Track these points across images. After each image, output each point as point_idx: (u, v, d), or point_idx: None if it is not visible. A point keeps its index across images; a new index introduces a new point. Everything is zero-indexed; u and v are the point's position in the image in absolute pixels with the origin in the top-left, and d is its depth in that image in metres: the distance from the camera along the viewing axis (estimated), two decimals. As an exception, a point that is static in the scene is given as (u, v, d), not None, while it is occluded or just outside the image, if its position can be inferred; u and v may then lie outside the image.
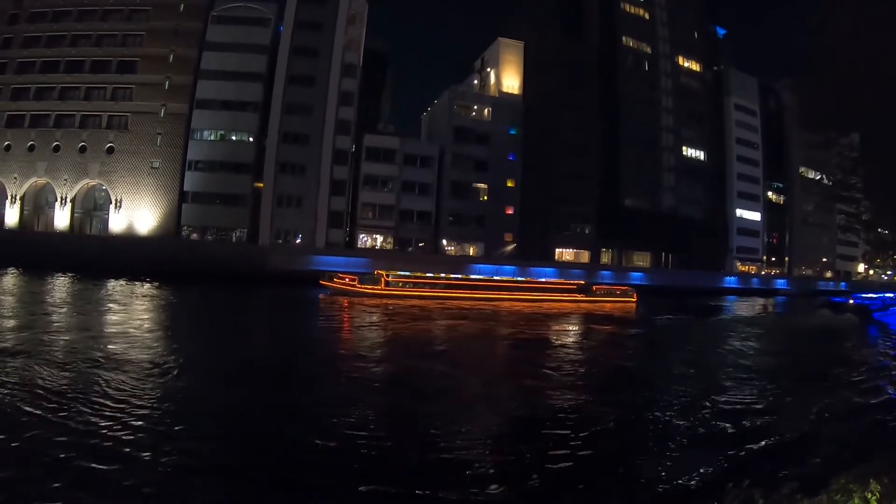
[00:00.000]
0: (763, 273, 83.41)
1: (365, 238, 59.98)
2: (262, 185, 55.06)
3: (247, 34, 55.91)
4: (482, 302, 38.68)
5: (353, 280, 38.74)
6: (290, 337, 22.60)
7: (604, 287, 48.04)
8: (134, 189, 53.49)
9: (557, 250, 66.08)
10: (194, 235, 54.17)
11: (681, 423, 11.76)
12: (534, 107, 66.73)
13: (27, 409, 9.73)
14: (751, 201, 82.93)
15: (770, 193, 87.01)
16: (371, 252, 57.30)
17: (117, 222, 53.11)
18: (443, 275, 41.73)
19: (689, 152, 75.22)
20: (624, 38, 70.83)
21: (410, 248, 60.57)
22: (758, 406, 13.39)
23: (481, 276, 46.71)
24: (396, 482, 7.79)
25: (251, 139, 55.96)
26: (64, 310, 23.80)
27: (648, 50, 72.96)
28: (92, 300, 27.74)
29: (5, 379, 11.56)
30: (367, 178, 59.54)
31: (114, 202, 53.36)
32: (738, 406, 13.23)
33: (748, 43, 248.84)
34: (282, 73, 55.59)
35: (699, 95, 77.68)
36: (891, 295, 45.61)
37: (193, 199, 54.22)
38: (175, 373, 13.23)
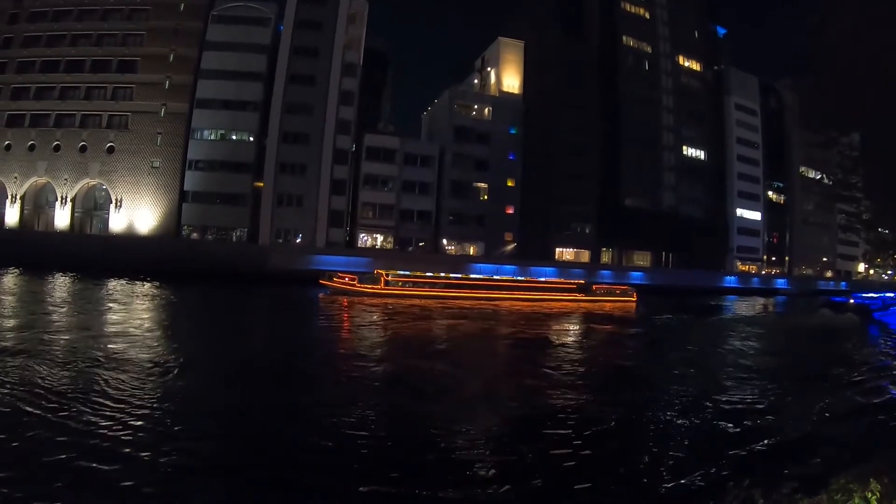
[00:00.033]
0: (763, 272, 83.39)
1: (365, 237, 59.98)
2: (262, 184, 55.05)
3: (247, 34, 55.91)
4: (482, 301, 38.68)
5: (353, 279, 38.74)
6: (290, 337, 22.60)
7: (603, 286, 48.03)
8: (134, 188, 53.50)
9: (558, 250, 66.06)
10: (194, 235, 54.18)
11: (681, 422, 11.76)
12: (534, 106, 66.71)
13: (27, 408, 9.73)
14: (751, 201, 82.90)
15: (770, 193, 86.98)
16: (371, 251, 57.31)
17: (117, 222, 53.12)
18: (442, 274, 41.75)
19: (690, 152, 75.21)
20: (624, 38, 70.80)
21: (411, 248, 60.58)
22: (758, 406, 13.39)
23: (481, 276, 46.73)
24: (396, 482, 7.79)
25: (251, 139, 55.96)
26: (64, 309, 23.80)
27: (649, 49, 72.92)
28: (92, 300, 27.74)
29: (6, 378, 11.56)
30: (367, 177, 59.54)
31: (114, 202, 53.36)
32: (739, 406, 13.24)
33: (748, 42, 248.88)
34: (282, 73, 55.58)
35: (699, 95, 77.65)
36: (891, 294, 45.62)
37: (194, 199, 54.23)
38: (175, 372, 13.23)
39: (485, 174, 64.32)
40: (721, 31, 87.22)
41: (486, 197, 64.61)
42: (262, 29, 56.82)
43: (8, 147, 53.93)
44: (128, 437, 8.65)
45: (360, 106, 59.70)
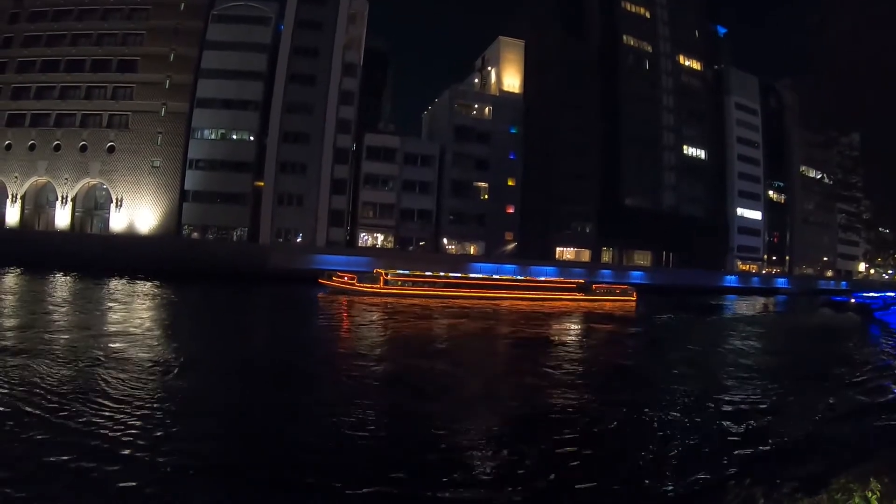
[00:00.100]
0: (764, 272, 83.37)
1: (366, 237, 59.99)
2: (262, 183, 55.08)
3: (247, 33, 55.92)
4: (482, 301, 38.68)
5: (353, 279, 38.73)
6: (290, 336, 22.60)
7: (603, 286, 48.02)
8: (135, 188, 53.52)
9: (558, 249, 66.06)
10: (195, 234, 54.21)
11: (682, 422, 11.76)
12: (534, 105, 66.68)
13: (27, 408, 9.72)
14: (752, 200, 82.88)
15: (771, 192, 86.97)
16: (372, 251, 57.33)
17: (118, 221, 53.14)
18: (442, 273, 41.77)
19: (690, 151, 75.20)
20: (624, 37, 70.79)
21: (411, 247, 60.59)
22: (759, 405, 13.38)
23: (481, 275, 46.75)
24: (397, 482, 7.78)
25: (252, 138, 55.96)
26: (65, 309, 23.81)
27: (649, 49, 72.91)
28: (93, 299, 27.75)
29: (6, 378, 11.56)
30: (367, 176, 59.55)
31: (114, 201, 53.38)
32: (740, 406, 13.23)
33: (749, 42, 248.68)
34: (282, 72, 55.59)
35: (700, 94, 77.63)
36: (892, 294, 45.56)
37: (194, 198, 54.25)
38: (175, 372, 13.24)
39: (485, 173, 64.32)
40: (721, 30, 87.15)
41: (486, 196, 64.62)
42: (262, 28, 56.82)
43: (8, 147, 53.94)
44: (128, 438, 8.64)
45: (361, 105, 59.71)
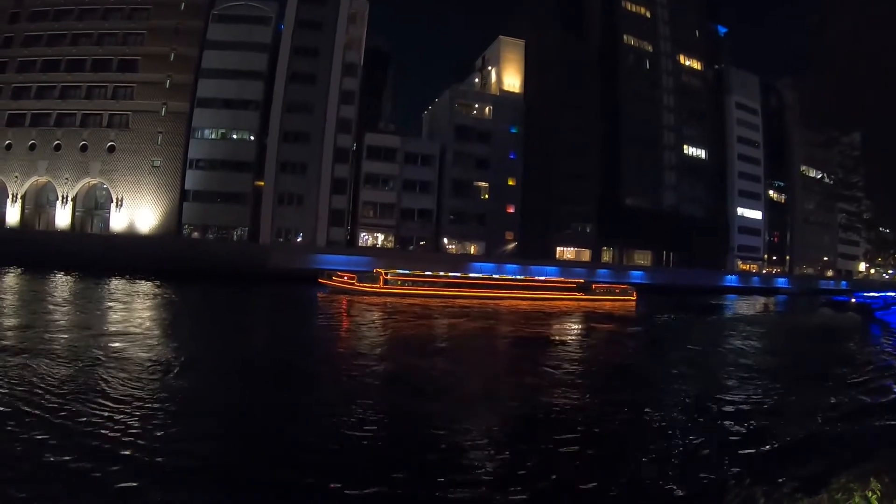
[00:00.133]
0: (764, 272, 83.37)
1: (366, 236, 60.02)
2: (262, 183, 55.12)
3: (248, 33, 55.95)
4: (482, 300, 38.69)
5: (352, 278, 38.75)
6: (291, 336, 22.60)
7: (603, 286, 48.03)
8: (135, 188, 53.54)
9: (558, 249, 66.09)
10: (195, 234, 54.24)
11: (682, 422, 11.75)
12: (535, 105, 66.69)
13: (26, 408, 9.72)
14: (752, 200, 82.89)
15: (771, 192, 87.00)
16: (372, 250, 57.35)
17: (118, 221, 53.17)
18: (442, 273, 41.79)
19: (691, 151, 75.22)
20: (625, 37, 70.82)
21: (412, 247, 60.61)
22: (759, 405, 13.36)
23: (480, 275, 46.78)
24: (397, 482, 7.78)
25: (252, 138, 55.99)
26: (65, 308, 23.82)
27: (649, 48, 72.92)
28: (93, 299, 27.77)
29: (6, 378, 11.55)
30: (368, 176, 59.57)
31: (115, 201, 53.41)
32: (740, 405, 13.21)
33: (749, 42, 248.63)
34: (283, 72, 55.61)
35: (700, 94, 77.63)
36: (892, 294, 45.50)
37: (194, 198, 54.28)
38: (176, 372, 13.23)
39: (486, 173, 64.33)
40: (722, 30, 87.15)
41: (486, 196, 64.64)
42: (262, 28, 56.86)
43: (9, 146, 53.98)
44: (128, 438, 8.64)
45: (361, 105, 59.76)
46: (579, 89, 65.74)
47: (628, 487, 8.24)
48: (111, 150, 54.02)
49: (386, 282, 38.62)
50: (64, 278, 36.48)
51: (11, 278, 34.70)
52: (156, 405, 10.64)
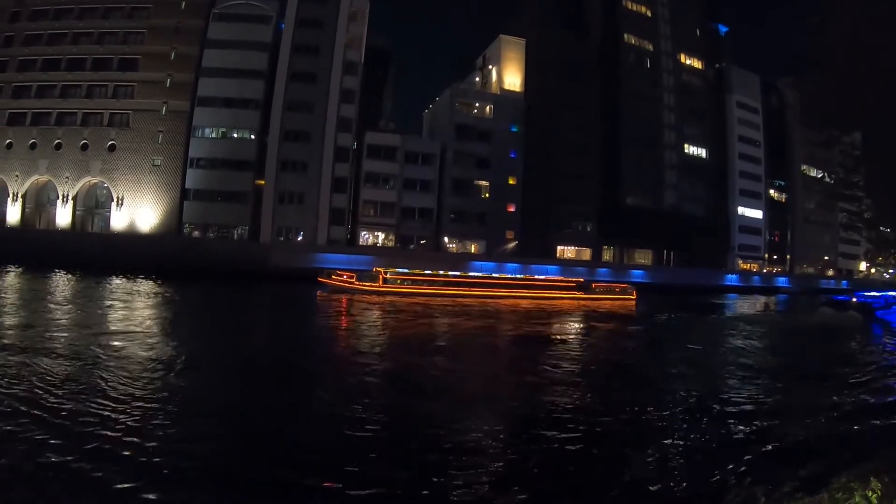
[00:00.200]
0: (765, 271, 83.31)
1: (367, 235, 60.03)
2: (263, 182, 55.11)
3: (248, 31, 55.92)
4: (481, 299, 38.70)
5: (352, 277, 38.76)
6: (291, 335, 22.62)
7: (603, 285, 48.05)
8: (135, 186, 53.55)
9: (559, 248, 66.08)
10: (196, 233, 54.25)
11: (682, 422, 11.74)
12: (535, 104, 66.65)
13: (25, 408, 9.71)
14: (753, 199, 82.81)
15: (772, 191, 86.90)
16: (373, 249, 57.35)
17: (119, 220, 53.19)
18: (441, 272, 41.83)
19: (691, 150, 75.14)
20: (626, 36, 70.70)
21: (412, 246, 60.62)
22: (760, 405, 13.36)
23: (480, 274, 46.76)
24: (397, 483, 7.78)
25: (252, 136, 55.99)
26: (66, 307, 23.82)
27: (650, 47, 72.83)
28: (94, 298, 27.77)
29: (5, 378, 11.55)
30: (368, 175, 59.57)
31: (115, 200, 53.43)
32: (740, 405, 13.21)
33: (750, 41, 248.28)
34: (283, 71, 55.60)
35: (701, 93, 77.54)
36: (893, 293, 45.46)
37: (195, 197, 54.29)
38: (176, 371, 13.24)
39: (486, 172, 64.32)
40: (722, 29, 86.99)
41: (487, 195, 64.63)
42: (263, 27, 56.84)
43: (9, 145, 53.99)
44: (128, 438, 8.64)
45: (362, 104, 59.74)
46: (580, 88, 65.67)
47: (629, 487, 8.24)
48: (112, 148, 54.03)
49: (385, 281, 38.63)
50: (64, 277, 36.49)
51: (12, 277, 34.72)
52: (156, 404, 10.64)
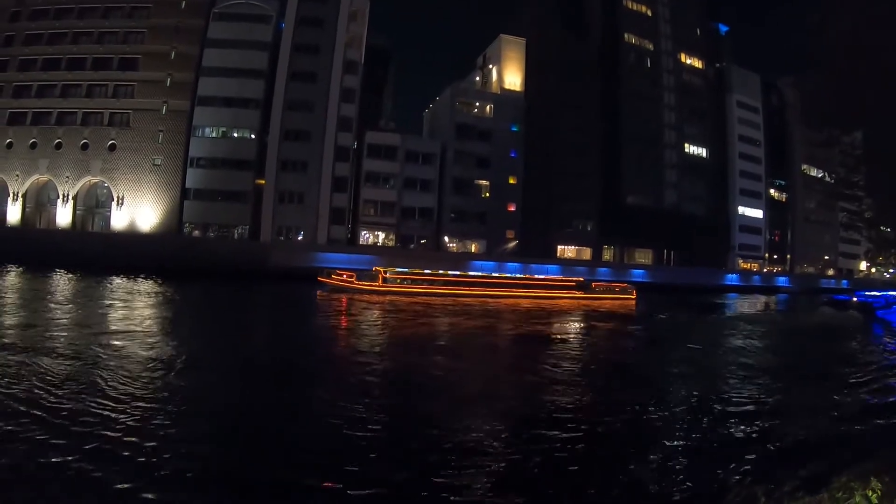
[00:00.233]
0: (765, 270, 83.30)
1: (367, 235, 60.04)
2: (263, 181, 55.13)
3: (248, 31, 55.94)
4: (481, 298, 38.69)
5: (352, 277, 38.76)
6: (291, 334, 22.61)
7: (603, 284, 48.04)
8: (136, 186, 53.57)
9: (559, 247, 66.07)
10: (196, 232, 54.27)
11: (683, 421, 11.74)
12: (536, 104, 66.63)
13: (24, 408, 9.70)
14: (753, 198, 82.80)
15: (772, 191, 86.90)
16: (373, 249, 57.35)
17: (119, 219, 53.21)
18: (441, 271, 41.84)
19: (691, 149, 75.15)
20: (626, 35, 70.71)
21: (412, 245, 60.63)
22: (760, 405, 13.35)
23: (480, 273, 46.76)
24: (398, 483, 7.78)
25: (253, 136, 56.01)
26: (66, 307, 23.82)
27: (650, 47, 72.83)
28: (94, 297, 27.77)
29: (5, 377, 11.55)
30: (368, 174, 59.58)
31: (116, 199, 53.45)
32: (741, 405, 13.20)
33: (750, 41, 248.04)
34: (283, 70, 55.61)
35: (701, 92, 77.53)
36: (894, 293, 45.46)
37: (195, 196, 54.31)
38: (176, 371, 13.23)
39: (486, 171, 64.33)
40: (723, 28, 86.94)
41: (487, 194, 64.64)
42: (263, 26, 56.85)
43: (10, 145, 54.01)
44: (128, 438, 8.63)
45: (362, 103, 59.76)
46: (580, 87, 65.65)
47: (629, 487, 8.23)
48: (112, 148, 54.05)
49: (385, 280, 38.63)
50: (65, 277, 36.50)
51: (13, 277, 34.72)
52: (156, 404, 10.64)
